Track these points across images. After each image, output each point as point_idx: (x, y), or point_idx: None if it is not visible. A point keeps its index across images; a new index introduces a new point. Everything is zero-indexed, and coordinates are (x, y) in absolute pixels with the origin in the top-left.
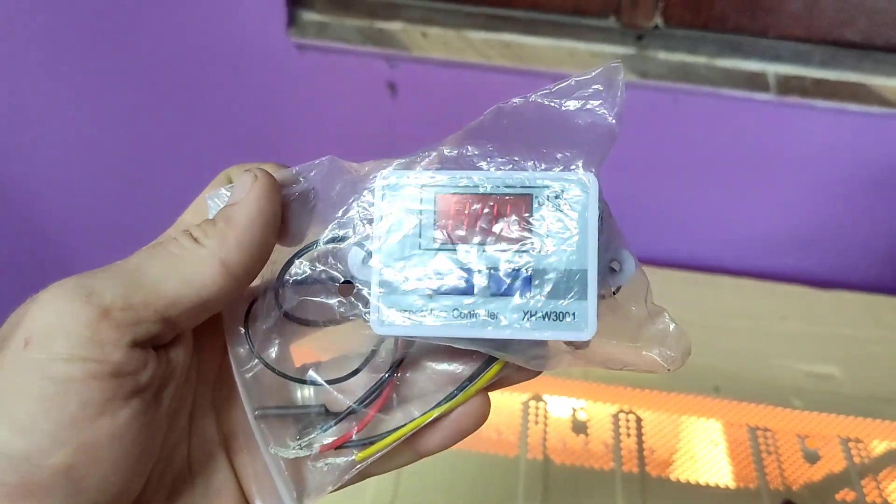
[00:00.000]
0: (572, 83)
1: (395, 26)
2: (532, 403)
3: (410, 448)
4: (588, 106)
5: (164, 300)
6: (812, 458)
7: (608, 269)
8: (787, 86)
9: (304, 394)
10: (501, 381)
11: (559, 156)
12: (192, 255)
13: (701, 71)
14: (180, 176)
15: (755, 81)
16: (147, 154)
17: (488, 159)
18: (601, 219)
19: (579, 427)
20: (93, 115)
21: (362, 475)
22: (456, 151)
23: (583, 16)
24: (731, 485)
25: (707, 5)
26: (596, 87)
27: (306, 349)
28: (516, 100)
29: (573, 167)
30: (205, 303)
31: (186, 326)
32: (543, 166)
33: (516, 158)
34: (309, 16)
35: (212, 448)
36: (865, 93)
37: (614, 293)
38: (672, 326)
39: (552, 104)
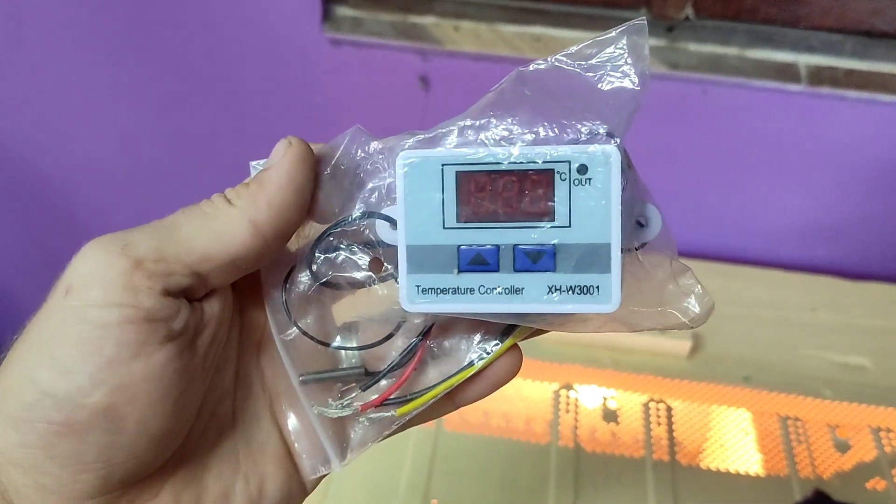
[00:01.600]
0: (594, 44)
1: (427, 20)
2: (563, 392)
3: (449, 400)
4: (611, 69)
5: (195, 255)
6: (842, 447)
7: (635, 225)
8: (819, 76)
9: (347, 356)
10: (533, 333)
11: (581, 126)
12: (223, 213)
13: (731, 62)
14: (216, 169)
15: (786, 72)
16: (183, 148)
17: (510, 132)
18: (625, 177)
19: (610, 416)
20: (129, 110)
21: (404, 426)
22: (478, 123)
23: (614, 8)
24: (762, 473)
25: None
26: (619, 48)
27: (348, 305)
28: (538, 63)
29: (597, 136)
30: (234, 260)
31: (219, 282)
32: (566, 138)
33: (538, 130)
34: (343, 11)
35: (257, 405)
36: None
37: (638, 248)
38: (696, 283)
39: (573, 69)
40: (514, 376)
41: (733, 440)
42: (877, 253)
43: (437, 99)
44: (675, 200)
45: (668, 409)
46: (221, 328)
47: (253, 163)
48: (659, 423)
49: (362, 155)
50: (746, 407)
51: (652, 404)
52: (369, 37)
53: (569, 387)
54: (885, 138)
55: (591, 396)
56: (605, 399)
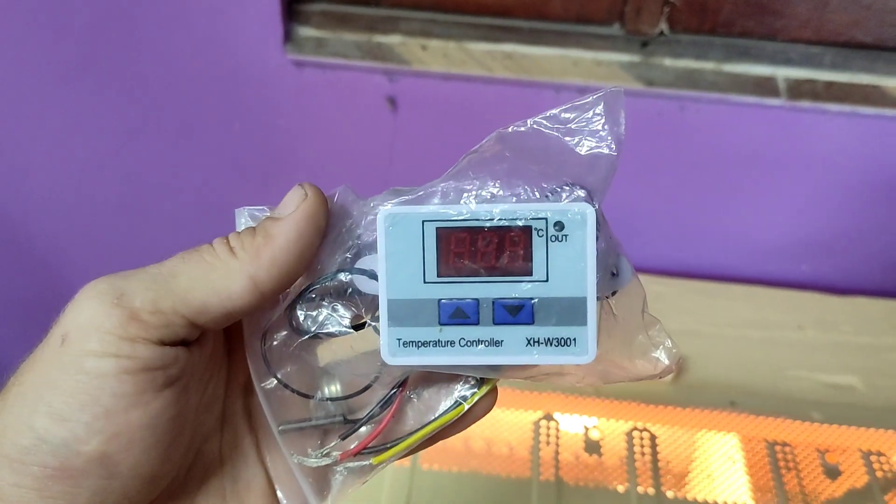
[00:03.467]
0: (572, 108)
1: (393, 39)
2: (543, 423)
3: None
4: (588, 134)
5: (192, 307)
6: (833, 472)
7: (609, 276)
8: (798, 90)
9: (330, 404)
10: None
11: (559, 188)
12: (224, 265)
13: (708, 77)
14: (179, 197)
15: (765, 86)
16: (144, 177)
17: (491, 194)
18: (600, 233)
19: (592, 447)
20: (87, 139)
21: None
22: (459, 185)
23: (586, 24)
24: (750, 502)
25: (713, 10)
26: (597, 114)
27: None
28: (517, 126)
29: (574, 197)
30: (230, 312)
31: (212, 328)
32: (545, 198)
33: (518, 191)
34: (305, 31)
35: (243, 444)
36: (879, 95)
37: (609, 297)
38: (665, 335)
39: (552, 132)
40: (489, 411)
41: (720, 468)
42: (862, 267)
43: (406, 120)
44: (655, 219)
45: (653, 437)
46: (212, 369)
47: (240, 210)
48: (643, 453)
49: (348, 213)
50: (733, 432)
51: (636, 433)
52: (334, 58)
53: (549, 417)
54: (868, 151)
55: (572, 426)
56: (586, 429)
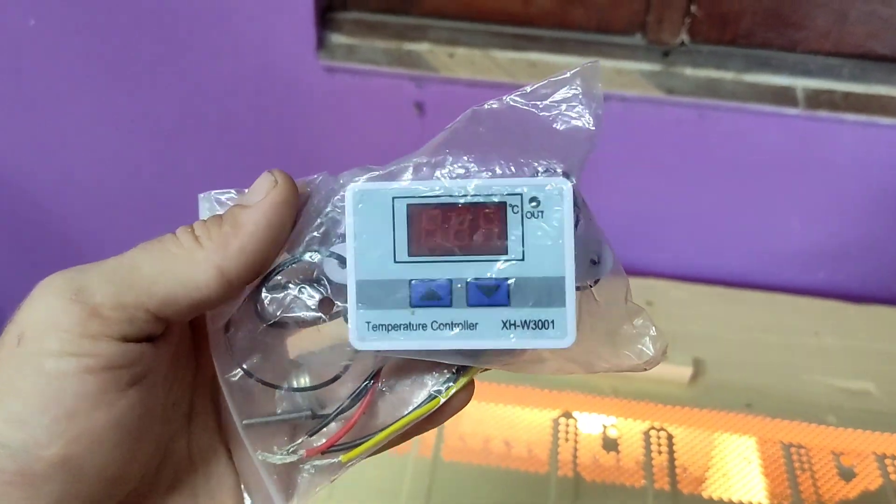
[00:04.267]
0: (548, 84)
1: (422, 47)
2: (562, 420)
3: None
4: (565, 109)
5: (156, 300)
6: (847, 475)
7: (589, 263)
8: (817, 100)
9: (298, 398)
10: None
11: (537, 164)
12: (189, 255)
13: (728, 86)
14: None
15: (784, 96)
16: (181, 177)
17: (466, 170)
18: (579, 217)
19: (610, 444)
20: (127, 140)
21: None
22: (433, 160)
23: (609, 33)
24: (765, 502)
25: (733, 21)
26: (574, 89)
27: (298, 341)
28: (492, 103)
29: (552, 173)
30: (197, 304)
31: (179, 321)
32: (521, 173)
33: (494, 168)
34: (338, 38)
35: (212, 442)
36: (895, 105)
37: (591, 285)
38: (651, 325)
39: (528, 108)
40: (464, 406)
41: (736, 468)
42: (879, 275)
43: (433, 125)
44: (675, 225)
45: (670, 436)
46: (178, 365)
47: (205, 196)
48: (660, 452)
49: (317, 189)
50: (749, 434)
51: (653, 432)
52: (364, 64)
53: (568, 415)
54: (886, 161)
55: (591, 424)
56: (605, 427)
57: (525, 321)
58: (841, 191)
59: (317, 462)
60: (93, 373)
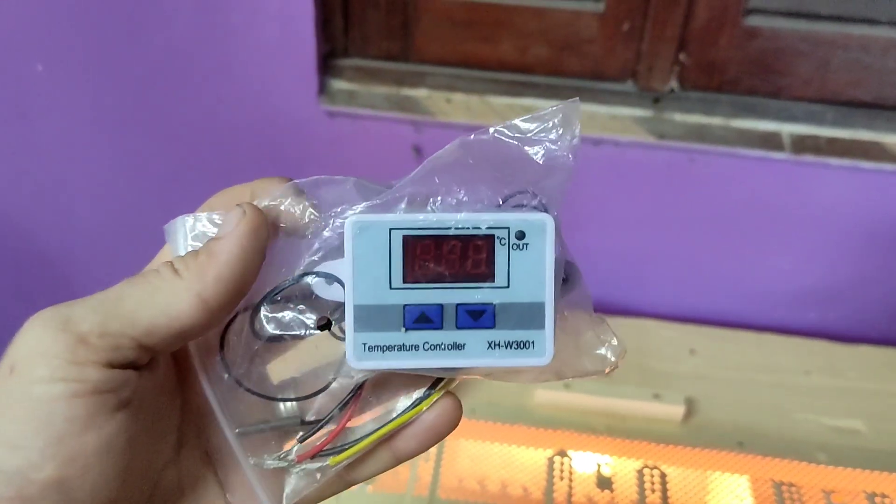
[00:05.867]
0: (532, 119)
1: (420, 93)
2: (557, 459)
3: (389, 452)
4: (547, 144)
5: (140, 329)
6: None
7: (562, 282)
8: (802, 145)
9: (284, 407)
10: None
11: (520, 195)
12: (169, 286)
13: (716, 132)
14: None
15: (770, 141)
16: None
17: (455, 200)
18: (556, 242)
19: (604, 483)
20: (129, 183)
21: (346, 483)
22: (424, 190)
23: (601, 80)
24: None
25: (721, 69)
26: (555, 124)
27: (283, 364)
28: (479, 133)
29: (534, 206)
30: (180, 332)
31: (164, 350)
32: (507, 205)
33: (481, 198)
34: (339, 84)
35: (201, 470)
36: (879, 150)
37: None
38: (612, 334)
39: (512, 141)
40: (453, 427)
41: None
42: (868, 316)
43: None
44: (666, 266)
45: (663, 475)
46: (164, 397)
47: (170, 225)
48: (653, 490)
49: (305, 212)
50: (741, 472)
51: (646, 470)
52: (364, 109)
53: (563, 453)
54: (870, 204)
55: (585, 463)
56: (599, 465)
57: (508, 342)
58: (829, 233)
59: (306, 466)
60: (81, 397)
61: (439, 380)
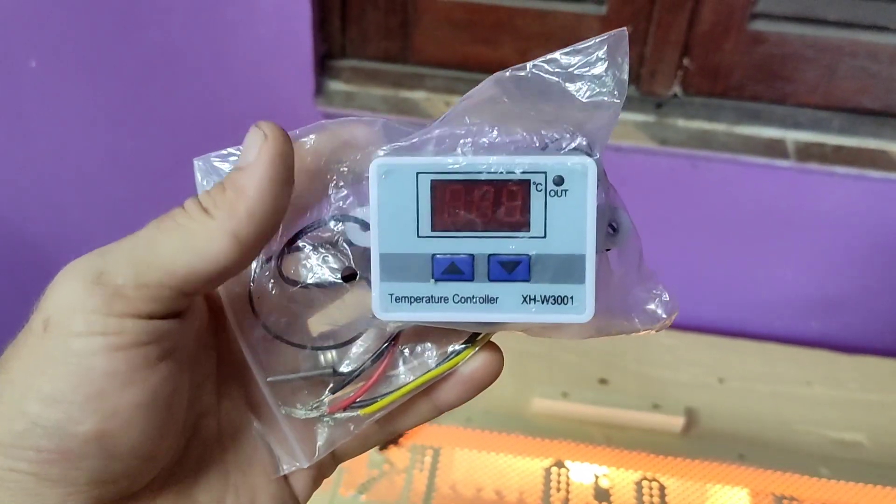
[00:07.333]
0: (573, 52)
1: (418, 95)
2: (554, 470)
3: (429, 403)
4: (590, 79)
5: (178, 277)
6: None
7: (607, 231)
8: (807, 152)
9: (321, 358)
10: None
11: (559, 136)
12: (202, 227)
13: (720, 138)
14: None
15: (774, 148)
16: None
17: (487, 141)
18: (600, 189)
19: (602, 495)
20: (125, 180)
21: (387, 433)
22: (455, 131)
23: None
24: None
25: (725, 74)
26: (599, 58)
27: (324, 318)
28: (516, 69)
29: (575, 147)
30: (218, 274)
31: (202, 293)
32: (544, 148)
33: (516, 138)
34: (336, 85)
35: (242, 419)
36: (885, 159)
37: (607, 250)
38: (663, 290)
39: (553, 77)
40: (494, 378)
41: None
42: (871, 326)
43: None
44: (667, 273)
45: (662, 487)
46: (201, 343)
47: (199, 160)
48: (652, 502)
49: (341, 154)
50: (742, 485)
51: (645, 482)
52: (361, 111)
53: (560, 464)
54: (876, 213)
55: (583, 474)
56: (597, 477)
57: (545, 296)
58: (832, 242)
59: (338, 416)
60: (121, 350)
61: (476, 333)
